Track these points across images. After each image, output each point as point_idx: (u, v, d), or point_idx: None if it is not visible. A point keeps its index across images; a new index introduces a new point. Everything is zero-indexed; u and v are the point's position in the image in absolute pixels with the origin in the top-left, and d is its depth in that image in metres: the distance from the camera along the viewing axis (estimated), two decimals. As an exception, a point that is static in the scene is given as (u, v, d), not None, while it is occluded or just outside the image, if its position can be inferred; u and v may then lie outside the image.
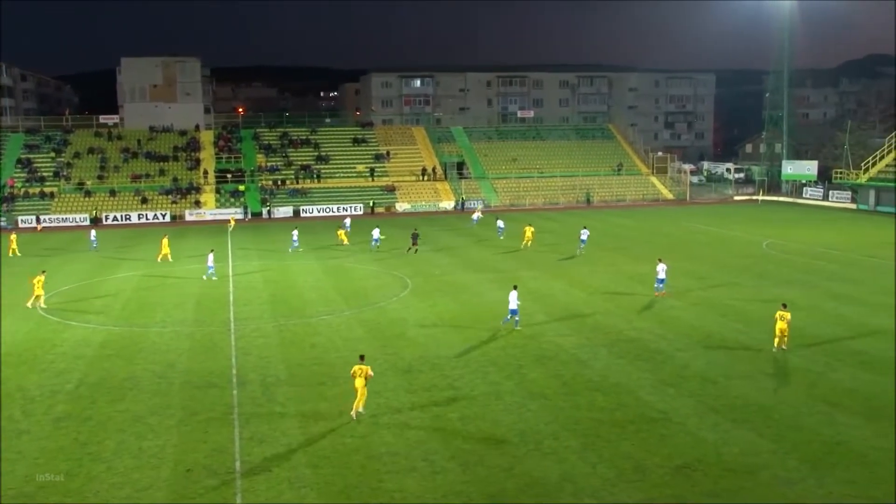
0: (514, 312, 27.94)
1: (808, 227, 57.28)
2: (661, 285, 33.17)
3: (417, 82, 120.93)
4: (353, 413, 19.86)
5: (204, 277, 38.62)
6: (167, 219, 69.98)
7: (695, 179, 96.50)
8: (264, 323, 29.96)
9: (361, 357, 20.82)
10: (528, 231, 48.31)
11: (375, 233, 48.65)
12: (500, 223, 55.20)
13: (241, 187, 75.97)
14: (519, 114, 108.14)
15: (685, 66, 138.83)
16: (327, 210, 73.66)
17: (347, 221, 56.22)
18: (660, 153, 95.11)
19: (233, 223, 62.79)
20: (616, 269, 40.36)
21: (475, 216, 58.66)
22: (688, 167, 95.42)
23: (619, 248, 47.82)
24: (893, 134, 74.29)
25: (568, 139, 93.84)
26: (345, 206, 73.95)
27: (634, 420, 19.28)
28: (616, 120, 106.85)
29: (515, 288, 28.54)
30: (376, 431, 18.97)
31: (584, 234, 46.14)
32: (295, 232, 49.18)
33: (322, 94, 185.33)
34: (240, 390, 21.96)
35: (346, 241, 49.74)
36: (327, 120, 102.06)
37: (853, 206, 72.90)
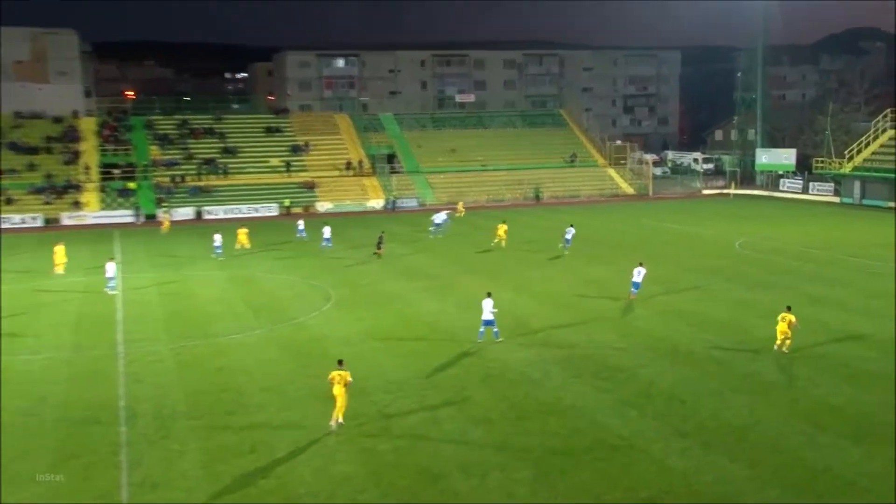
0: (489, 323, 28.17)
1: (785, 224, 59.25)
2: (635, 289, 34.44)
3: (340, 62, 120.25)
4: (332, 423, 20.71)
5: (107, 291, 38.01)
6: (39, 223, 67.49)
7: (658, 171, 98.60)
8: (160, 345, 29.16)
9: (340, 362, 21.71)
10: (501, 229, 49.73)
11: (326, 231, 50.56)
12: (439, 216, 55.56)
13: (132, 185, 73.96)
14: (458, 98, 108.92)
15: (647, 43, 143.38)
16: (235, 211, 72.40)
17: (301, 224, 55.96)
18: (618, 142, 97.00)
19: (167, 226, 60.82)
20: (570, 274, 40.83)
21: (441, 218, 57.39)
22: (650, 157, 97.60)
23: (573, 250, 48.48)
24: (881, 117, 76.63)
25: (514, 127, 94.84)
26: (256, 207, 72.85)
27: (593, 447, 19.41)
28: (568, 104, 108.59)
29: (489, 295, 28.71)
30: (295, 469, 18.58)
31: (570, 233, 47.25)
32: (217, 237, 48.13)
33: (228, 75, 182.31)
34: (129, 426, 21.22)
35: (246, 245, 49.86)
36: (234, 106, 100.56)
37: (836, 199, 75.53)
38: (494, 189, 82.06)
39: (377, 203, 77.45)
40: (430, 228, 55.47)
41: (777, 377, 24.10)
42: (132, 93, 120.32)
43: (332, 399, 21.11)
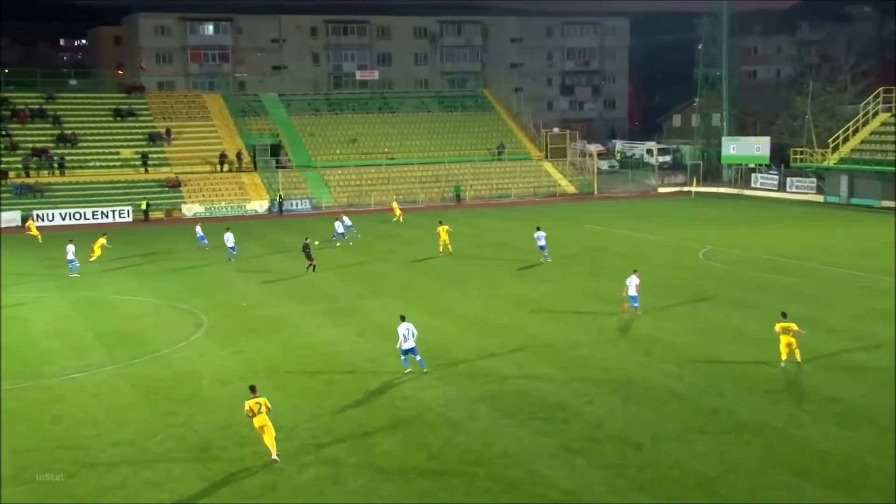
0: (410, 352, 28.50)
1: (758, 229, 61.27)
2: (635, 303, 35.63)
3: (209, 28, 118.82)
4: (274, 457, 21.85)
5: None
6: None
7: (604, 165, 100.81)
8: (-24, 389, 28.13)
9: (252, 388, 22.71)
10: (443, 231, 50.94)
11: (229, 238, 51.06)
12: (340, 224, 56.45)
13: (-64, 183, 71.28)
14: (358, 75, 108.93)
15: (588, 9, 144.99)
16: (77, 216, 70.58)
17: (198, 229, 55.94)
18: (556, 129, 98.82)
19: (34, 232, 59.10)
20: (495, 293, 41.31)
21: (342, 225, 57.56)
22: (594, 148, 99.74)
23: (498, 262, 48.95)
24: (871, 98, 78.36)
25: (428, 111, 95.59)
26: (104, 210, 71.17)
27: None
28: (494, 83, 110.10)
29: (404, 319, 28.95)
30: (156, 544, 18.25)
31: (542, 239, 48.02)
32: (70, 247, 46.81)
33: (62, 41, 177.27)
34: (-63, 495, 20.43)
35: (96, 255, 49.71)
36: (72, 82, 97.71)
37: (819, 197, 78.06)
38: (405, 187, 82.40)
39: (260, 205, 76.78)
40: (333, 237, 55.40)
41: (751, 416, 24.80)
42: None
43: (251, 437, 22.11)
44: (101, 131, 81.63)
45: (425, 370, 28.66)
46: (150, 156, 79.38)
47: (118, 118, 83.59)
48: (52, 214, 70.12)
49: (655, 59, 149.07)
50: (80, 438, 23.79)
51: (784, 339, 28.37)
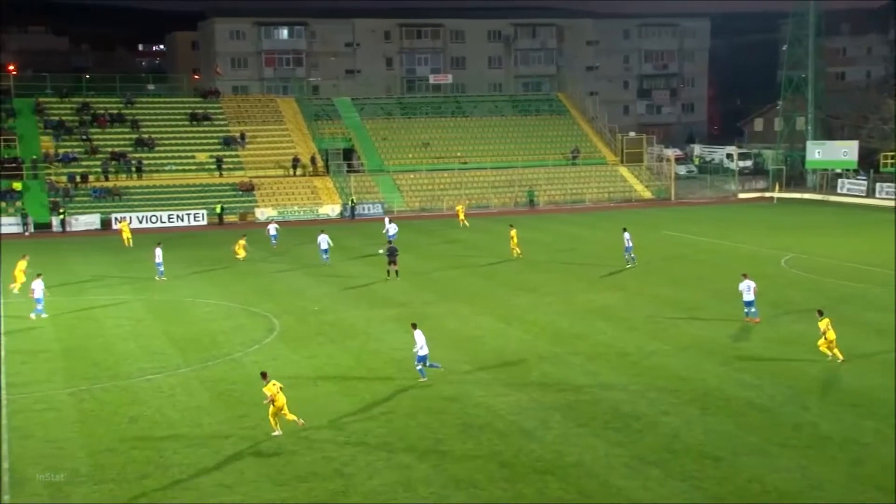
0: (425, 359, 28.72)
1: (844, 236, 60.17)
2: (751, 308, 35.35)
3: (283, 32, 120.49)
4: (300, 422, 24.41)
5: (33, 316, 38.62)
6: None
7: (682, 170, 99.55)
8: (55, 389, 28.94)
9: (263, 374, 24.86)
10: (513, 234, 51.53)
11: (323, 241, 51.70)
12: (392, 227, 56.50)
13: (17, 186, 73.54)
14: (431, 79, 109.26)
15: (668, 10, 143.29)
16: (154, 219, 72.20)
17: (271, 227, 58.59)
18: (632, 134, 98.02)
19: (127, 234, 59.67)
20: (567, 300, 41.13)
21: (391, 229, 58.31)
22: (672, 153, 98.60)
23: (571, 268, 48.74)
24: None
25: (501, 115, 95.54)
26: (180, 213, 72.57)
27: (604, 514, 19.60)
28: (569, 87, 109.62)
29: (415, 326, 29.25)
30: (228, 546, 18.59)
31: (629, 240, 47.95)
32: (158, 251, 47.95)
33: (141, 47, 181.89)
34: (14, 495, 21.05)
35: (241, 255, 52.15)
36: (150, 86, 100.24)
37: (911, 204, 76.03)
38: (477, 192, 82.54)
39: (332, 209, 77.61)
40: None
41: (836, 430, 24.24)
42: (14, 68, 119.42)
43: (277, 419, 24.12)
44: (178, 135, 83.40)
45: (423, 379, 28.92)
46: (225, 160, 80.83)
47: (194, 122, 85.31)
48: (130, 217, 71.68)
49: (737, 60, 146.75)
50: (155, 439, 24.33)
51: (831, 335, 29.56)
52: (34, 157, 76.88)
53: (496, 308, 39.54)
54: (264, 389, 24.37)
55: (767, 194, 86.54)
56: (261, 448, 23.57)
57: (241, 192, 77.88)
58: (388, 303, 41.20)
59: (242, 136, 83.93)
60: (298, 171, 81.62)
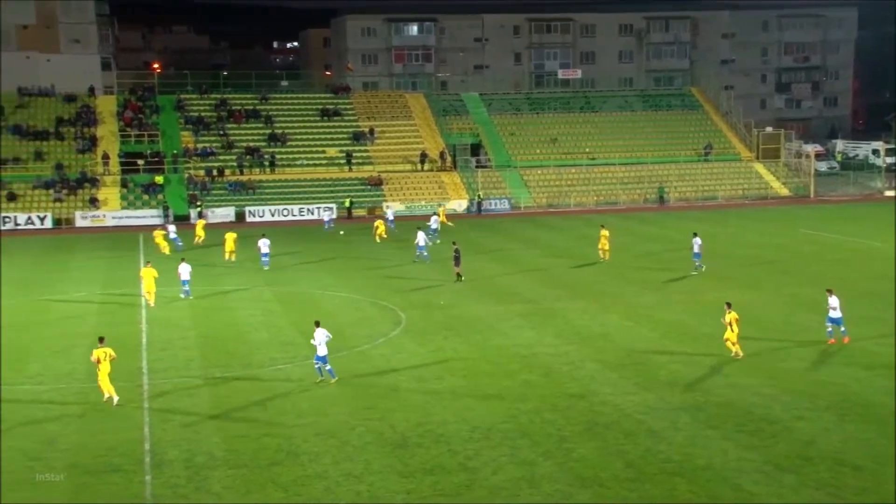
0: (322, 360, 28.77)
1: None
2: (836, 325, 32.48)
3: (413, 29, 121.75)
4: (115, 398, 26.88)
5: (182, 296, 41.93)
6: (48, 223, 70.46)
7: (823, 166, 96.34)
8: (191, 376, 30.07)
9: (101, 339, 27.46)
10: (604, 237, 50.00)
11: (421, 237, 51.24)
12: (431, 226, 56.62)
13: (159, 179, 76.47)
14: (560, 74, 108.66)
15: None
16: (285, 213, 74.02)
17: (434, 220, 60.09)
18: (769, 129, 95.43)
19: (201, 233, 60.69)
20: (698, 299, 40.37)
21: (434, 225, 58.78)
22: (812, 149, 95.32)
23: (705, 268, 47.80)
24: None
25: (631, 110, 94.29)
26: (311, 207, 74.10)
27: (734, 519, 19.22)
28: (703, 81, 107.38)
29: (318, 324, 29.19)
30: (355, 534, 18.94)
31: (697, 246, 46.52)
32: (264, 241, 49.45)
33: (275, 44, 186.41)
34: (155, 475, 21.95)
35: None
36: (283, 83, 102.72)
37: None
38: (606, 188, 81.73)
39: (459, 205, 77.98)
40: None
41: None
42: (158, 66, 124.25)
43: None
44: (309, 131, 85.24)
45: (334, 379, 28.76)
46: (354, 154, 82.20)
47: (325, 118, 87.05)
48: (263, 211, 73.85)
49: (886, 52, 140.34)
50: (284, 427, 25.00)
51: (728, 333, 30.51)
52: (174, 151, 79.83)
53: (623, 306, 39.13)
54: (95, 351, 27.05)
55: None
56: (387, 439, 23.93)
57: (369, 187, 79.06)
58: (513, 298, 41.22)
59: (372, 132, 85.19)
60: (426, 166, 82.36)
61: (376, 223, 59.10)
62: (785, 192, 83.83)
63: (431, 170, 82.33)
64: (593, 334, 34.54)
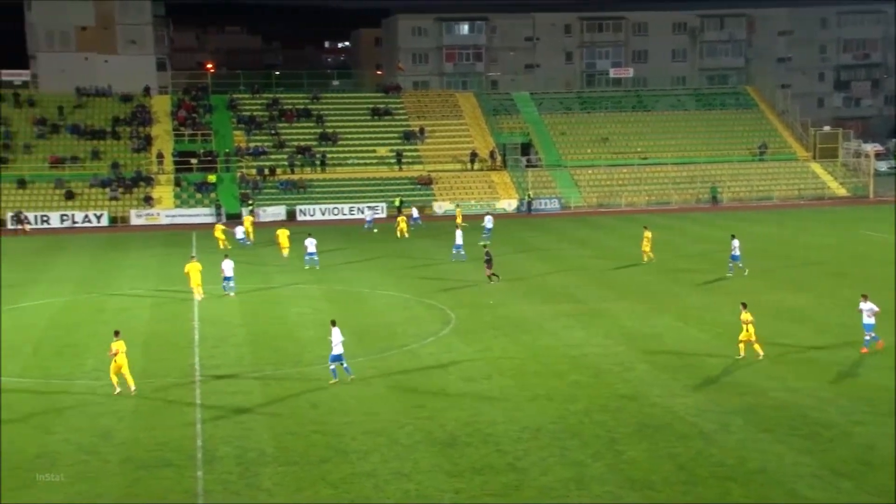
0: (338, 359, 28.78)
1: None
2: (871, 334, 31.40)
3: (464, 28, 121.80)
4: (132, 390, 27.75)
5: (230, 294, 42.52)
6: (104, 221, 71.64)
7: (883, 166, 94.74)
8: (243, 373, 30.34)
9: (117, 333, 28.20)
10: (646, 239, 49.60)
11: (459, 235, 51.80)
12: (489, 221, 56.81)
13: (212, 178, 77.38)
14: (612, 73, 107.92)
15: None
16: (335, 212, 74.43)
17: (488, 219, 60.14)
18: (826, 128, 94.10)
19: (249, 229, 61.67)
20: (751, 300, 39.52)
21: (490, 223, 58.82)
22: (871, 148, 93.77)
23: (758, 269, 47.17)
24: None
25: (685, 109, 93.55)
26: (361, 206, 74.34)
27: (789, 525, 18.94)
28: (759, 80, 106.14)
29: (334, 324, 29.08)
30: (403, 533, 18.96)
31: (736, 248, 45.79)
32: (311, 241, 49.88)
33: (327, 44, 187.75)
34: (207, 471, 22.17)
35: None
36: (334, 82, 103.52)
37: None
38: (657, 188, 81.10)
39: (509, 204, 77.88)
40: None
41: None
42: (212, 66, 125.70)
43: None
44: (360, 130, 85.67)
45: (351, 376, 28.79)
46: (404, 154, 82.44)
47: (375, 117, 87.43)
48: (313, 209, 74.35)
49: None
50: (334, 425, 25.11)
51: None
52: (227, 150, 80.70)
53: (674, 307, 38.79)
54: (112, 344, 27.71)
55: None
56: (436, 438, 23.93)
57: (419, 186, 79.24)
58: (563, 298, 41.05)
59: (422, 131, 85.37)
60: (476, 166, 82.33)
61: (399, 219, 61.95)
62: (843, 192, 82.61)
63: (481, 169, 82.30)
64: (643, 335, 34.27)
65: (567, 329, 35.35)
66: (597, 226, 66.71)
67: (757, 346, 30.44)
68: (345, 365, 28.95)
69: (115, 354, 27.63)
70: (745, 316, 30.42)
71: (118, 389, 27.78)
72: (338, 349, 28.69)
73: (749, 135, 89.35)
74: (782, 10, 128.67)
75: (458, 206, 71.60)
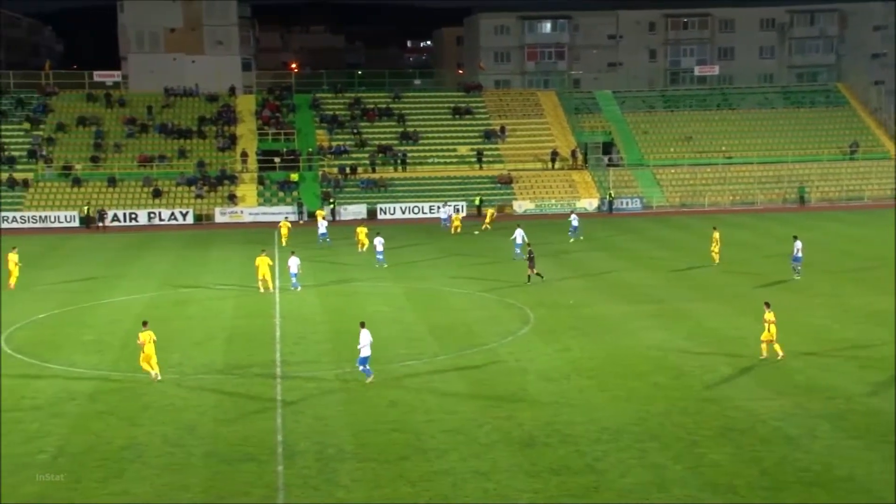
0: (363, 361, 28.59)
1: None
2: None
3: (546, 26, 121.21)
4: (156, 376, 29.00)
5: (299, 288, 43.35)
6: (189, 219, 73.10)
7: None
8: (323, 370, 30.67)
9: (144, 323, 29.37)
10: (716, 237, 49.00)
11: (518, 235, 51.57)
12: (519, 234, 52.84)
13: (294, 177, 78.40)
14: (697, 70, 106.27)
15: None
16: (415, 210, 74.80)
17: (573, 217, 59.73)
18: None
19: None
20: (841, 304, 38.99)
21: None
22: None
23: (847, 271, 46.16)
24: None
25: (772, 107, 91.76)
26: (440, 204, 74.44)
27: (877, 534, 18.48)
28: (851, 77, 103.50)
29: (363, 325, 29.01)
30: (480, 532, 18.98)
31: (798, 249, 44.75)
32: (379, 240, 50.32)
33: (409, 43, 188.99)
34: (287, 466, 22.50)
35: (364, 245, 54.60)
36: (416, 81, 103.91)
37: None
38: (742, 188, 79.74)
39: (590, 203, 77.33)
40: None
41: None
42: (296, 66, 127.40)
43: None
44: (441, 129, 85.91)
45: (370, 379, 28.63)
46: (485, 153, 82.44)
47: (456, 116, 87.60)
48: (394, 208, 74.84)
49: None
50: (412, 423, 25.26)
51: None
52: (310, 149, 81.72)
53: (757, 308, 37.94)
54: (140, 334, 28.77)
55: None
56: (514, 438, 23.91)
57: (499, 185, 79.16)
58: (643, 298, 40.66)
59: (503, 130, 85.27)
60: (557, 165, 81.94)
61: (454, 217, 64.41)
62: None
63: (562, 168, 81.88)
64: (726, 337, 33.75)
65: (647, 329, 35.01)
66: (679, 226, 65.85)
67: (777, 347, 30.24)
68: (367, 368, 28.86)
69: (144, 344, 28.77)
70: (769, 315, 30.16)
71: (159, 377, 29.19)
72: (365, 351, 28.65)
73: (839, 133, 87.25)
74: (877, 4, 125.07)
75: (482, 202, 72.60)
